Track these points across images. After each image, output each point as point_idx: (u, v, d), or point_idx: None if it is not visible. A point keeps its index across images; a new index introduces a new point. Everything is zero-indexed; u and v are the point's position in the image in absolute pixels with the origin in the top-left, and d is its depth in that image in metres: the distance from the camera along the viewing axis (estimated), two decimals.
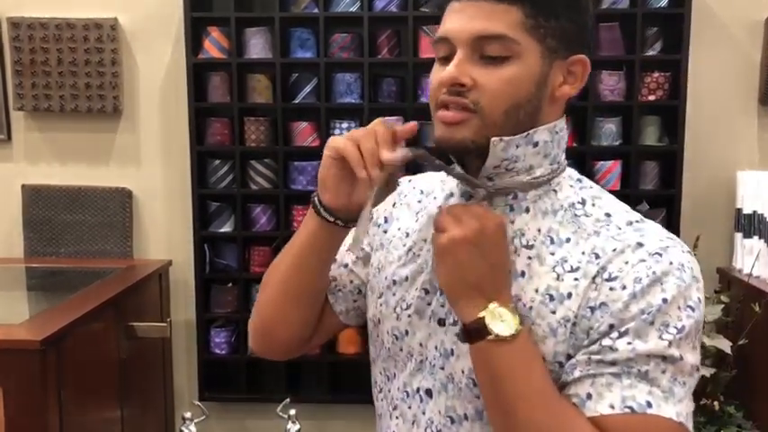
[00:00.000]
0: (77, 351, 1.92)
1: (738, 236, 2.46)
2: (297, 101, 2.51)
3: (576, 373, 0.80)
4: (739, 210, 2.46)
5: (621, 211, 0.88)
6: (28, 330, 1.78)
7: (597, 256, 0.82)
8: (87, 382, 2.00)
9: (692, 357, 0.80)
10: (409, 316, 0.93)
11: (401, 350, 0.95)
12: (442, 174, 0.98)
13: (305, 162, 2.52)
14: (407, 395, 0.94)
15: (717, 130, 2.54)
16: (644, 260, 0.80)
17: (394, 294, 0.95)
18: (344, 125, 2.49)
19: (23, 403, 1.72)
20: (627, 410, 0.77)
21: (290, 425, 2.48)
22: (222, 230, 2.57)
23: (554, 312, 0.82)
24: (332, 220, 0.90)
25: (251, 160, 2.55)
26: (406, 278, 0.94)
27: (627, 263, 0.81)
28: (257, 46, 2.49)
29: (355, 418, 2.62)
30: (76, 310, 1.95)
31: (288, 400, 2.48)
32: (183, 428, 2.48)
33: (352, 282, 1.03)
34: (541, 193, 0.88)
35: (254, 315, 1.03)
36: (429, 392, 0.92)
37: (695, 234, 2.32)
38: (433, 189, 1.00)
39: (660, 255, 0.81)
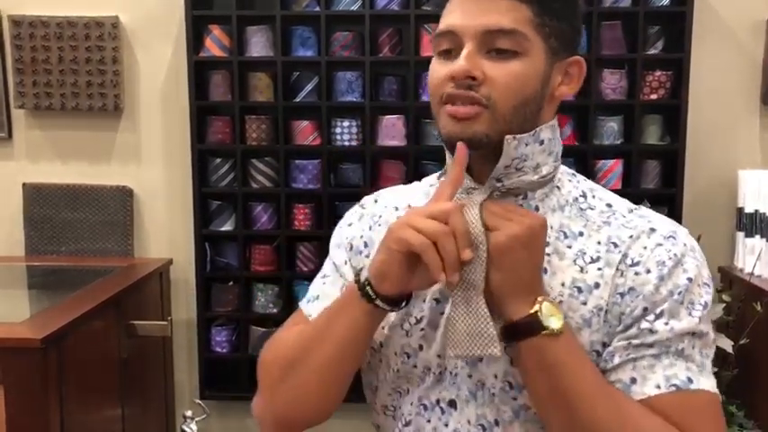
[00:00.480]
0: (78, 349, 1.92)
1: (740, 235, 2.46)
2: (298, 99, 2.51)
3: (617, 360, 0.83)
4: (741, 209, 2.46)
5: (618, 200, 0.93)
6: (29, 329, 1.78)
7: (615, 245, 0.86)
8: (88, 380, 2.00)
9: (712, 331, 0.86)
10: (422, 329, 0.91)
11: (415, 367, 0.92)
12: (424, 185, 1.00)
13: (306, 160, 2.52)
14: (425, 408, 0.92)
15: (718, 129, 2.54)
16: (661, 244, 0.85)
17: (396, 313, 0.90)
18: (345, 123, 2.48)
19: (24, 401, 1.72)
20: (672, 389, 0.81)
21: None
22: (223, 229, 2.57)
23: (585, 303, 0.84)
24: (388, 308, 0.85)
25: (252, 159, 2.54)
26: (409, 294, 0.89)
27: (645, 248, 0.85)
28: (258, 44, 2.49)
29: (354, 416, 2.61)
30: (77, 308, 1.95)
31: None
32: (183, 427, 2.48)
33: None
34: (547, 191, 0.90)
35: (272, 402, 0.95)
36: (453, 403, 0.90)
37: (697, 233, 2.30)
38: (410, 202, 0.98)
39: (674, 237, 0.86)
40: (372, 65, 2.45)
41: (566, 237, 0.88)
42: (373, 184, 2.47)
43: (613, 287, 0.84)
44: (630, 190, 2.45)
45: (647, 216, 0.89)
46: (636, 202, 2.71)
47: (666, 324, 0.82)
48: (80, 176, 2.65)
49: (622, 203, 0.92)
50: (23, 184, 2.64)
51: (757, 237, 2.40)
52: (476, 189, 0.87)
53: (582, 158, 2.48)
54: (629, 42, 2.44)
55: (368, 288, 0.84)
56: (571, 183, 0.93)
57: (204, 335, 2.60)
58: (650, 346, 0.82)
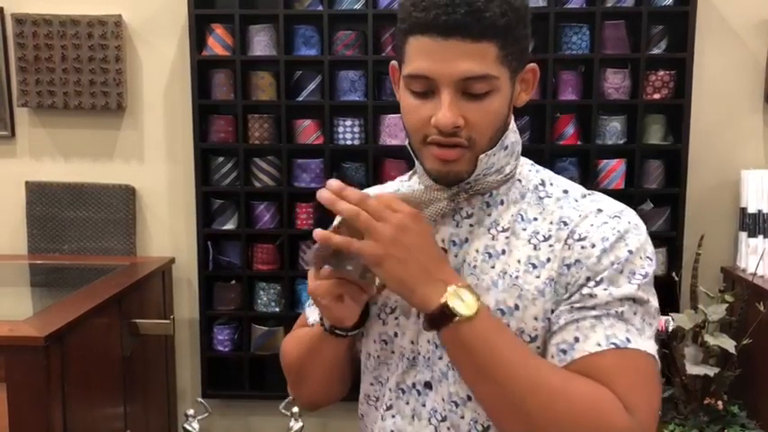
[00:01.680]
0: (81, 348, 1.92)
1: (743, 235, 2.45)
2: (301, 98, 2.51)
3: (561, 322, 0.89)
4: (744, 209, 2.46)
5: (575, 187, 0.99)
6: (32, 327, 1.78)
7: (565, 224, 0.93)
8: (91, 378, 2.00)
9: (654, 301, 0.91)
10: (396, 318, 0.98)
11: (393, 352, 0.99)
12: (396, 184, 1.09)
13: (308, 159, 2.52)
14: (402, 392, 0.99)
15: (721, 128, 2.53)
16: (606, 222, 0.91)
17: (375, 303, 1.00)
18: (348, 123, 2.49)
19: (27, 399, 1.72)
20: (612, 346, 0.86)
21: (292, 422, 2.48)
22: (225, 228, 2.58)
23: (538, 277, 0.92)
24: (344, 335, 0.98)
25: (254, 158, 2.55)
26: (384, 285, 0.95)
27: (592, 225, 0.91)
28: (261, 43, 2.49)
29: (357, 415, 2.61)
30: (80, 306, 1.95)
31: (291, 397, 2.48)
32: (185, 425, 2.48)
33: None
34: (510, 186, 0.98)
35: (299, 397, 1.13)
36: (428, 385, 0.96)
37: (699, 233, 2.32)
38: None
39: (619, 217, 0.92)
40: (375, 64, 2.45)
41: (522, 220, 0.95)
42: (376, 182, 2.46)
43: (561, 259, 0.91)
44: (633, 190, 2.45)
45: (598, 200, 0.95)
46: (639, 202, 2.70)
47: (606, 290, 0.87)
48: (83, 175, 2.65)
49: (577, 190, 0.98)
50: (26, 183, 2.64)
51: (760, 237, 2.40)
52: (440, 191, 0.95)
53: (584, 158, 2.48)
54: (633, 42, 2.44)
55: (324, 324, 0.98)
56: (531, 173, 1.00)
57: (206, 333, 2.60)
58: (592, 308, 0.87)
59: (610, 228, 0.90)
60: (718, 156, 2.54)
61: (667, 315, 2.20)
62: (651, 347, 0.88)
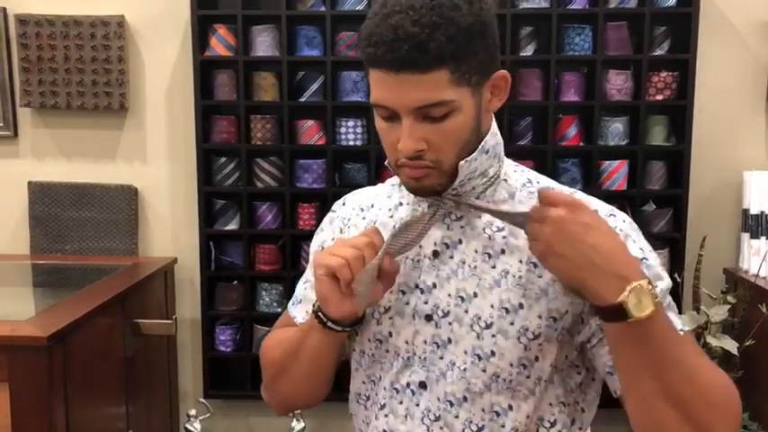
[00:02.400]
0: (83, 348, 1.92)
1: (745, 236, 2.45)
2: (303, 99, 2.51)
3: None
4: (746, 210, 2.45)
5: (558, 185, 1.02)
6: (34, 326, 1.78)
7: None
8: (93, 378, 2.01)
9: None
10: (390, 318, 0.99)
11: (387, 351, 1.00)
12: (386, 186, 1.13)
13: (311, 160, 2.52)
14: (396, 392, 1.00)
15: (724, 130, 2.53)
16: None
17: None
18: (350, 123, 2.49)
19: (29, 399, 1.72)
20: (681, 332, 0.89)
21: (294, 422, 2.48)
22: (228, 228, 2.58)
23: (541, 277, 0.93)
24: (339, 329, 0.98)
25: (257, 158, 2.55)
26: (360, 316, 0.99)
27: None
28: (264, 44, 2.49)
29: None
30: (82, 306, 1.96)
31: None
32: (187, 425, 2.49)
33: None
34: (496, 186, 0.99)
35: (273, 396, 1.12)
36: (423, 385, 0.97)
37: (702, 234, 2.32)
38: (373, 202, 1.10)
39: (614, 215, 0.96)
40: None
41: None
42: (377, 183, 2.47)
43: None
44: (636, 191, 2.45)
45: (588, 200, 0.96)
46: (641, 203, 2.69)
47: (656, 286, 0.85)
48: (85, 175, 2.66)
49: (561, 188, 1.01)
50: (29, 183, 2.65)
51: (763, 238, 2.39)
52: (425, 202, 0.99)
53: (587, 159, 2.48)
54: (635, 43, 2.44)
55: (320, 313, 0.97)
56: (516, 173, 1.02)
57: (208, 334, 2.61)
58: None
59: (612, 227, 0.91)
60: (721, 157, 2.54)
61: None
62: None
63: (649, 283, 0.80)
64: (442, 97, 0.88)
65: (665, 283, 0.94)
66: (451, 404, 0.95)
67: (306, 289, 1.12)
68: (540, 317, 0.92)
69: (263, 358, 1.11)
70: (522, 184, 1.00)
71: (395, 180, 1.10)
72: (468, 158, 0.93)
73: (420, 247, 0.98)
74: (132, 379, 2.29)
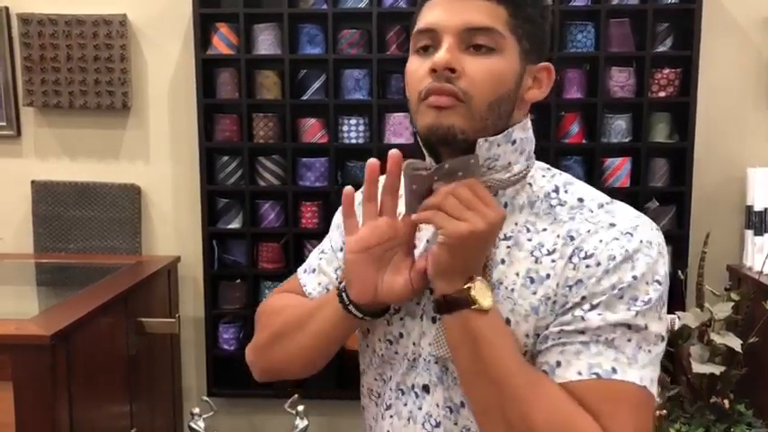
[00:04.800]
0: (87, 346, 1.93)
1: (749, 233, 2.45)
2: (305, 97, 2.51)
3: (548, 343, 0.86)
4: (750, 207, 2.45)
5: (592, 194, 0.93)
6: (38, 325, 1.79)
7: (572, 238, 0.88)
8: (97, 377, 2.01)
9: (657, 327, 0.85)
10: (401, 319, 0.97)
11: (396, 353, 0.98)
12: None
13: (313, 158, 2.52)
14: (402, 393, 0.98)
15: (727, 126, 2.52)
16: (617, 239, 0.86)
17: None
18: (353, 121, 2.49)
19: (33, 397, 1.72)
20: (593, 376, 0.82)
21: (298, 421, 2.48)
22: (230, 227, 2.58)
23: (535, 293, 0.88)
24: (359, 315, 0.94)
25: (259, 156, 2.55)
26: (385, 308, 0.96)
27: (601, 241, 0.86)
28: (266, 42, 2.49)
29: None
30: (86, 305, 1.96)
31: (296, 396, 2.49)
32: (191, 424, 2.49)
33: (336, 269, 1.07)
34: (519, 188, 0.93)
35: (261, 359, 1.06)
36: (426, 388, 0.95)
37: (705, 231, 2.31)
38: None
39: (631, 234, 0.86)
40: (380, 62, 2.45)
41: (528, 231, 0.91)
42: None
43: (563, 278, 0.86)
44: (639, 188, 2.44)
45: (614, 211, 0.90)
46: (644, 200, 2.68)
47: (600, 315, 0.83)
48: (88, 174, 2.66)
49: (595, 199, 0.92)
50: (32, 182, 2.65)
51: (766, 235, 2.39)
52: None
53: (590, 156, 2.48)
54: (638, 40, 2.43)
55: (344, 294, 0.93)
56: (545, 178, 0.95)
57: (212, 332, 2.61)
58: (581, 332, 0.84)
59: (619, 246, 0.85)
60: (725, 153, 2.53)
61: (673, 314, 2.20)
62: (641, 377, 0.83)
63: (492, 290, 0.86)
64: (493, 24, 0.86)
65: (617, 316, 0.83)
66: (450, 410, 0.93)
67: (321, 260, 1.09)
68: (527, 335, 0.88)
69: (262, 318, 1.07)
70: (547, 194, 0.93)
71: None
72: (490, 138, 0.88)
73: None
74: (136, 377, 2.29)
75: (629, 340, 0.83)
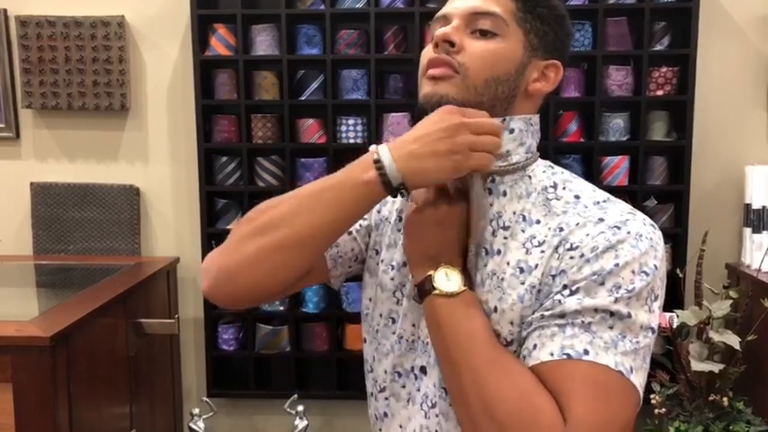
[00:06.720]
0: (86, 347, 1.93)
1: (747, 231, 2.45)
2: (303, 97, 2.51)
3: (530, 328, 0.87)
4: (748, 205, 2.45)
5: (589, 192, 0.94)
6: (37, 327, 1.79)
7: (561, 230, 0.89)
8: (96, 378, 2.01)
9: (644, 317, 0.83)
10: (408, 301, 0.99)
11: (393, 333, 1.00)
12: None
13: (312, 159, 2.52)
14: (399, 375, 0.99)
15: (725, 125, 2.53)
16: (603, 232, 0.86)
17: (392, 279, 1.00)
18: (351, 121, 2.49)
19: (34, 398, 1.73)
20: (564, 356, 0.81)
21: (297, 421, 2.49)
22: (229, 227, 2.58)
23: (523, 283, 0.89)
24: (387, 192, 0.88)
25: (258, 157, 2.55)
26: (404, 264, 0.98)
27: (588, 235, 0.86)
28: (264, 43, 2.49)
29: (363, 413, 2.62)
30: (85, 306, 1.96)
31: (296, 396, 2.49)
32: (191, 424, 2.49)
33: (353, 249, 1.07)
34: (517, 179, 0.95)
35: (227, 255, 0.92)
36: (423, 369, 0.97)
37: (704, 229, 2.32)
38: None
39: (619, 227, 0.86)
40: (378, 63, 2.46)
41: (523, 220, 0.92)
42: None
43: (548, 268, 0.87)
44: (637, 187, 2.45)
45: (606, 208, 0.89)
46: (643, 199, 2.68)
47: (578, 300, 0.83)
48: (87, 176, 2.66)
49: (592, 197, 0.92)
50: (31, 184, 2.65)
51: (765, 233, 2.39)
52: None
53: (588, 155, 2.48)
54: (635, 38, 2.44)
55: (385, 151, 0.89)
56: (545, 174, 0.96)
57: (211, 333, 2.61)
58: (559, 316, 0.83)
59: (604, 238, 0.85)
60: (723, 152, 2.53)
61: (672, 312, 2.20)
62: (617, 362, 0.80)
63: (462, 273, 0.90)
64: (498, 11, 0.91)
65: (595, 301, 0.82)
66: (445, 391, 0.93)
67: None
68: (511, 323, 0.88)
69: (248, 215, 0.94)
70: (544, 188, 0.94)
71: None
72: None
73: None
74: (136, 378, 2.29)
75: (611, 327, 0.82)
